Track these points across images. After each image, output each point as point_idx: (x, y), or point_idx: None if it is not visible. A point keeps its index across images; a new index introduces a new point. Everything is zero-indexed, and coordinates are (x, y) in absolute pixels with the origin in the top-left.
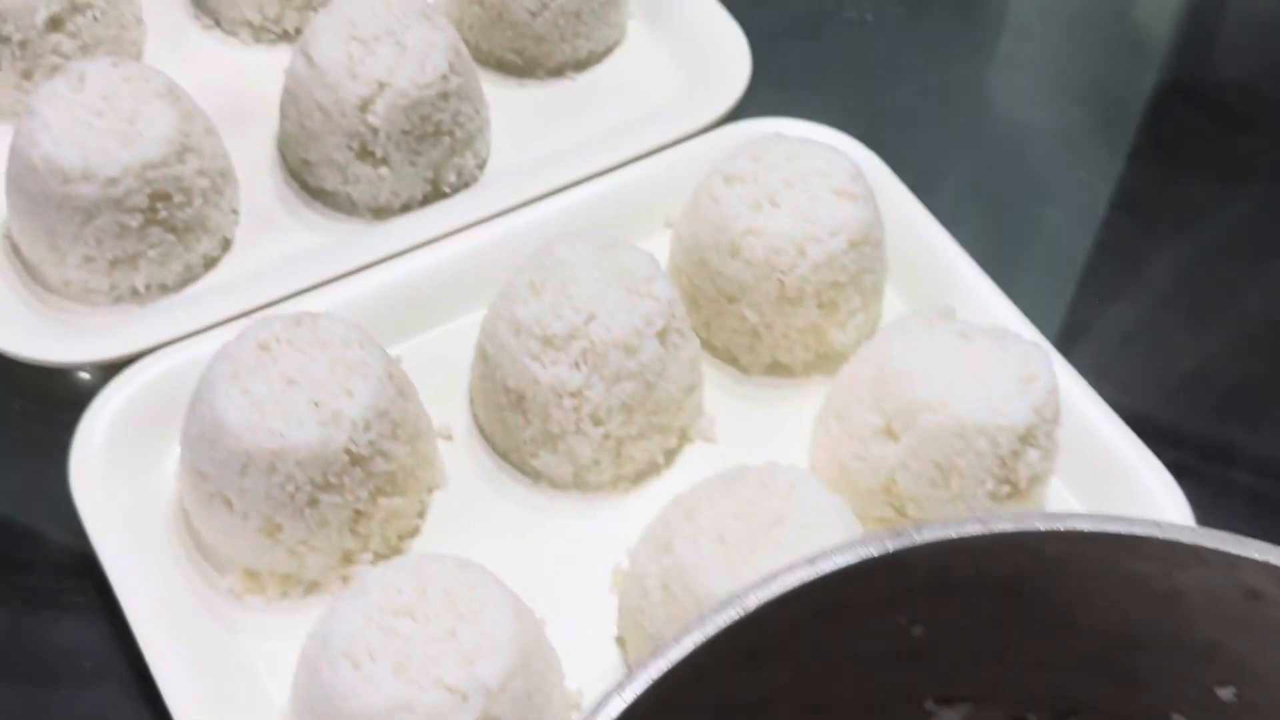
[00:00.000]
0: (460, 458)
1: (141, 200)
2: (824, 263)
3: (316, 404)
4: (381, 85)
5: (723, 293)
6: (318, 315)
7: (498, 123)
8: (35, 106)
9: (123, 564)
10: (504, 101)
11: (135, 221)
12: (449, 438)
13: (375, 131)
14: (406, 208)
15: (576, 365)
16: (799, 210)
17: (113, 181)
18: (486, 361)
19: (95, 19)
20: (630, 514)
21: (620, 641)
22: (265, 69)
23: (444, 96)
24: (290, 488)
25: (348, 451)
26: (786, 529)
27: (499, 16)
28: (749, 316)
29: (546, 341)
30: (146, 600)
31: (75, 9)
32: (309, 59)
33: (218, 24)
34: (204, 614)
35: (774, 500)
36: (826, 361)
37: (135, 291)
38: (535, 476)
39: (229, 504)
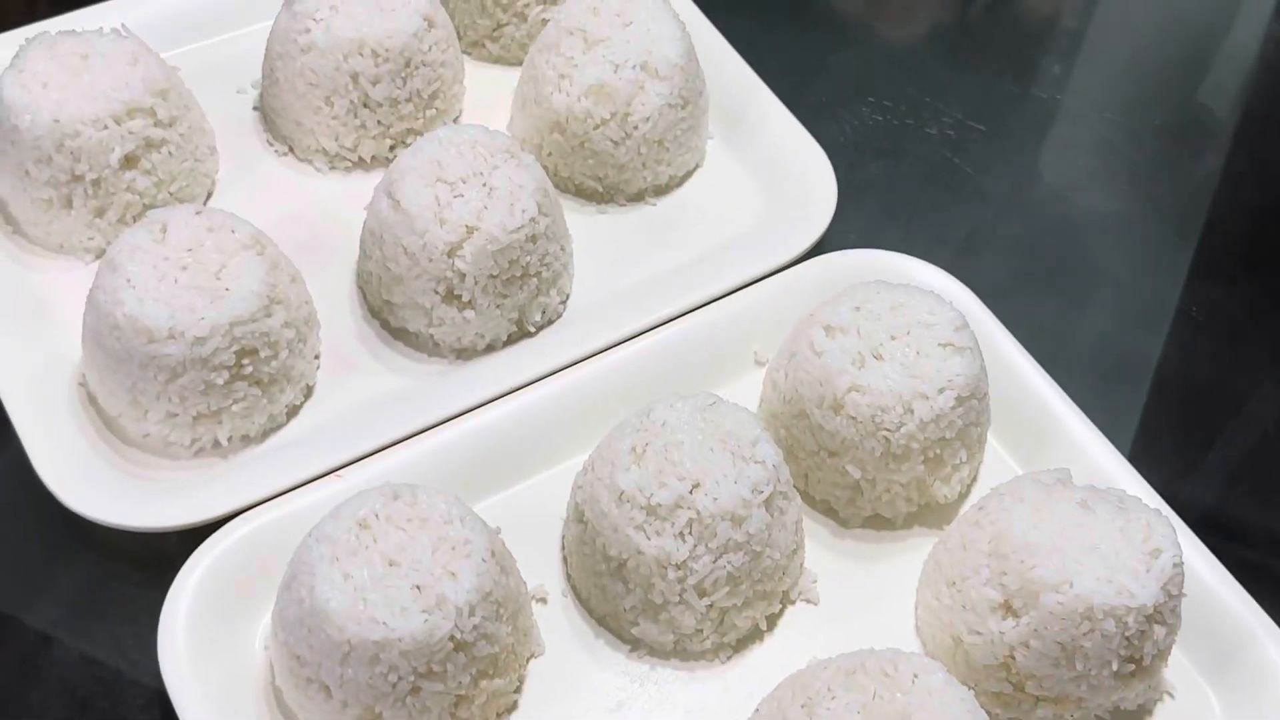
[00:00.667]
0: (556, 622)
1: (228, 358)
2: (931, 420)
3: (419, 588)
4: (470, 230)
5: (824, 447)
6: (416, 489)
7: (579, 249)
8: (117, 259)
9: None
10: (584, 228)
11: (221, 378)
12: (544, 601)
13: (462, 276)
14: (491, 348)
15: (682, 536)
16: (905, 365)
17: (200, 341)
18: (585, 526)
19: (170, 154)
20: (734, 683)
21: None
22: (342, 198)
23: (532, 239)
24: (393, 678)
25: (452, 639)
26: None
27: (580, 145)
28: (851, 472)
29: (651, 511)
30: None
31: (150, 146)
32: (395, 203)
33: (291, 151)
34: None
35: (898, 694)
36: (928, 513)
37: (217, 444)
38: (634, 644)
39: (327, 691)
